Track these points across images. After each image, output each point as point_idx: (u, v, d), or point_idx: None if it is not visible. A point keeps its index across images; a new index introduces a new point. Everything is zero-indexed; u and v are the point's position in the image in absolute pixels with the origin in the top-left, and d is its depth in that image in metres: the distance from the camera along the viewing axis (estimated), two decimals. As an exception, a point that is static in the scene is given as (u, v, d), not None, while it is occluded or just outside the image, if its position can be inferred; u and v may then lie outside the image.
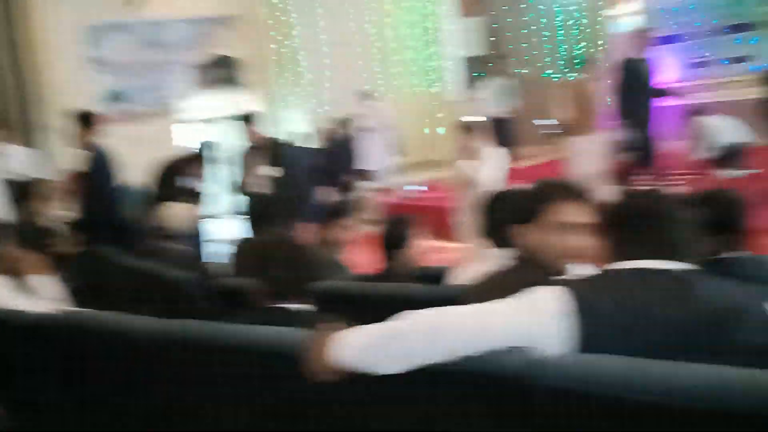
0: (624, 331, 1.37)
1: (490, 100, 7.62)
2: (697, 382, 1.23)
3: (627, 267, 1.47)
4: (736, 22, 9.19)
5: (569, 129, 6.49)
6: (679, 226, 1.50)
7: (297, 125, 9.99)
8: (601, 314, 1.38)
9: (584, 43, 10.97)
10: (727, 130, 7.21)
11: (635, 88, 6.42)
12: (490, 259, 2.13)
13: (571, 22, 11.23)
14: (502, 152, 4.84)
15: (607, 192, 6.64)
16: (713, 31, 9.50)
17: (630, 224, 1.50)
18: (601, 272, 1.54)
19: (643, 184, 6.96)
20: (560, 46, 11.21)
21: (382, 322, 1.50)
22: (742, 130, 7.25)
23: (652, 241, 1.47)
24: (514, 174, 9.20)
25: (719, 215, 2.03)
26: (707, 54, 9.64)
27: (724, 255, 2.05)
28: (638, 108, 6.48)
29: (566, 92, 6.46)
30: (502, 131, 7.70)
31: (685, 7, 9.68)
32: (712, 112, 7.40)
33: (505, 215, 1.95)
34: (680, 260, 1.46)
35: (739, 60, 9.24)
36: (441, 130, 10.80)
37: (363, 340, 1.50)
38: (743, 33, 9.14)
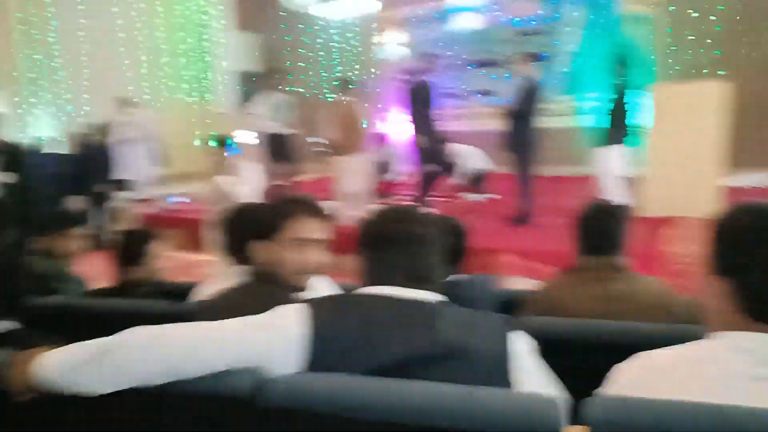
0: (357, 356, 1.35)
1: (267, 116, 7.60)
2: (418, 400, 1.26)
3: (372, 292, 1.45)
4: (482, 59, 10.23)
5: (336, 148, 6.66)
6: (427, 250, 1.49)
7: (47, 130, 9.03)
8: (337, 337, 1.36)
9: (357, 66, 11.46)
10: (473, 157, 7.94)
11: (422, 110, 6.78)
12: (231, 276, 2.06)
13: (344, 45, 11.66)
14: (259, 168, 4.78)
15: (369, 210, 6.94)
16: (462, 65, 10.45)
17: (380, 247, 1.48)
18: (345, 294, 1.53)
19: (402, 204, 7.27)
20: (335, 68, 11.58)
21: (95, 339, 1.36)
22: (485, 158, 8.04)
23: (400, 265, 1.46)
24: (298, 188, 9.24)
25: (448, 241, 2.14)
26: (456, 86, 10.58)
27: (452, 278, 2.16)
28: (427, 128, 6.85)
29: (335, 112, 6.63)
30: (279, 147, 7.69)
31: (437, 41, 10.56)
32: (461, 140, 8.09)
33: (244, 231, 1.92)
34: (426, 287, 1.46)
35: (484, 93, 10.27)
36: (213, 143, 10.47)
37: (68, 357, 1.36)
38: (488, 69, 10.20)
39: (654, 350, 1.34)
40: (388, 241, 1.47)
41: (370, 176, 6.98)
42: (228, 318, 1.41)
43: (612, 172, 6.39)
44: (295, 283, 1.82)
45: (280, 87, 7.73)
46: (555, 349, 1.92)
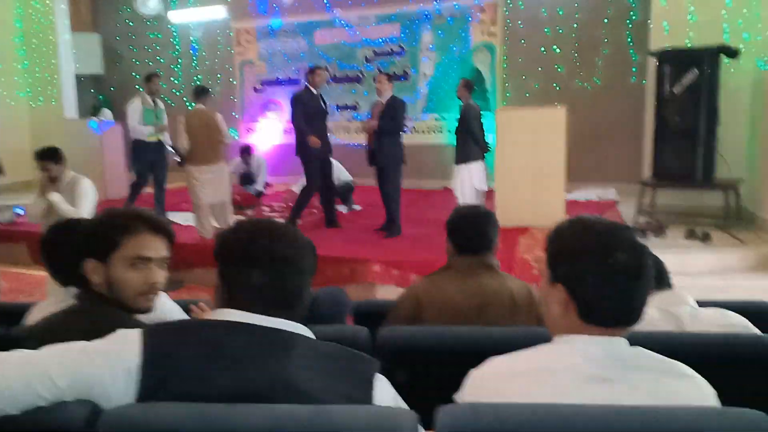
0: (193, 387, 1.24)
1: (129, 122, 7.21)
2: (262, 424, 1.20)
3: (221, 318, 1.33)
4: (342, 75, 10.35)
5: (192, 158, 6.41)
6: (294, 272, 1.36)
7: None
8: (173, 366, 1.26)
9: (219, 75, 11.16)
10: (339, 171, 7.98)
11: (309, 121, 6.65)
12: (65, 297, 1.85)
13: (203, 53, 11.34)
14: (87, 182, 4.35)
15: (231, 224, 6.75)
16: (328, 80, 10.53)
17: (241, 266, 1.34)
18: (190, 320, 1.45)
19: (269, 219, 7.11)
20: (196, 76, 11.21)
21: None
22: (346, 172, 8.11)
23: (262, 288, 1.33)
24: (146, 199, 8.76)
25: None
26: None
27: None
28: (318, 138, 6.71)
29: (193, 121, 6.39)
30: (140, 154, 7.28)
31: (297, 54, 10.56)
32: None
33: (77, 249, 1.69)
34: (287, 314, 1.35)
35: (348, 108, 10.39)
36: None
37: None
38: (348, 84, 10.33)
39: (503, 355, 1.40)
40: (250, 260, 1.33)
41: (230, 187, 6.78)
42: (54, 344, 1.28)
43: (467, 186, 6.72)
44: (136, 305, 1.67)
45: (153, 93, 7.31)
46: (421, 357, 1.96)
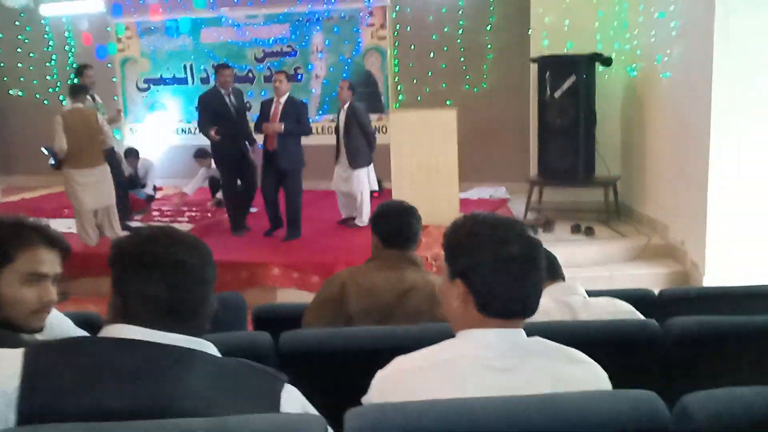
0: (74, 411, 1.14)
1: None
2: None
3: (110, 334, 1.24)
4: (236, 74, 10.08)
5: (71, 160, 6.02)
6: (194, 280, 1.27)
7: None
8: (53, 389, 1.16)
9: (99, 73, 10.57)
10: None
11: (216, 122, 6.42)
12: None
13: (79, 49, 10.70)
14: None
15: (119, 230, 6.42)
16: (202, 79, 10.22)
17: (134, 275, 1.25)
18: (77, 338, 1.33)
19: (165, 225, 6.81)
20: (73, 74, 10.54)
21: None
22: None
23: (157, 299, 1.24)
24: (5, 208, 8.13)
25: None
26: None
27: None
28: (228, 142, 6.49)
29: (70, 120, 6.00)
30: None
31: (183, 51, 10.21)
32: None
33: None
34: (185, 328, 1.26)
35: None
36: None
37: None
38: (242, 85, 10.08)
39: (410, 353, 1.41)
40: (147, 269, 1.24)
41: (114, 191, 6.45)
42: None
43: (366, 190, 6.77)
44: (27, 325, 1.53)
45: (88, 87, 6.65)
46: (328, 360, 1.92)
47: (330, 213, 7.15)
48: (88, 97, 6.54)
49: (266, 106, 6.38)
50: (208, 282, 1.30)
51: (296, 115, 6.26)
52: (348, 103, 6.63)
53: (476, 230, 1.36)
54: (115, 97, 10.51)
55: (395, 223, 2.46)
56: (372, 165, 6.85)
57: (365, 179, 6.77)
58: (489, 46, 8.91)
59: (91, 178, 6.13)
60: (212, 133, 6.29)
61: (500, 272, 1.31)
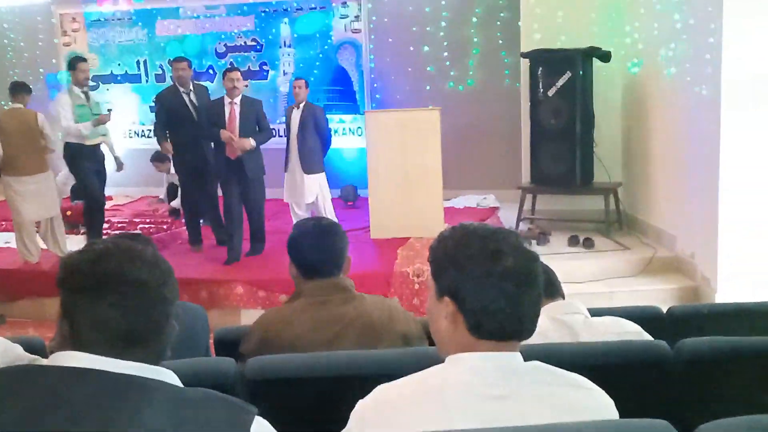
0: None
1: (63, 122, 6.38)
2: None
3: (56, 363, 1.21)
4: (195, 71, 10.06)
5: (9, 166, 5.96)
6: (151, 300, 1.26)
7: None
8: (2, 422, 1.12)
9: (41, 69, 10.45)
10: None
11: (174, 125, 6.42)
12: None
13: (22, 43, 10.57)
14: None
15: (65, 245, 6.33)
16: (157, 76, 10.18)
17: (84, 295, 1.23)
18: (17, 368, 1.29)
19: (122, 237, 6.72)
20: (14, 72, 10.41)
21: None
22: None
23: (110, 322, 1.22)
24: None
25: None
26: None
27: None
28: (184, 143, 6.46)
29: (8, 122, 5.93)
30: (79, 160, 6.49)
31: (136, 46, 10.14)
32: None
33: None
34: (143, 354, 1.25)
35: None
36: None
37: None
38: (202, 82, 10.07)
39: (393, 382, 1.40)
40: (99, 288, 1.23)
41: (59, 201, 6.36)
42: None
43: (326, 191, 6.80)
44: None
45: (82, 83, 6.50)
46: (298, 388, 1.90)
47: (289, 224, 7.11)
48: (81, 94, 6.44)
49: (217, 107, 6.20)
50: (169, 303, 1.29)
51: (256, 118, 6.22)
52: (304, 102, 6.63)
53: (466, 242, 1.36)
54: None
55: (313, 248, 2.34)
56: (324, 173, 6.85)
57: (325, 183, 6.80)
58: (475, 39, 8.99)
59: (31, 186, 6.06)
60: (166, 145, 6.26)
61: (493, 288, 1.31)
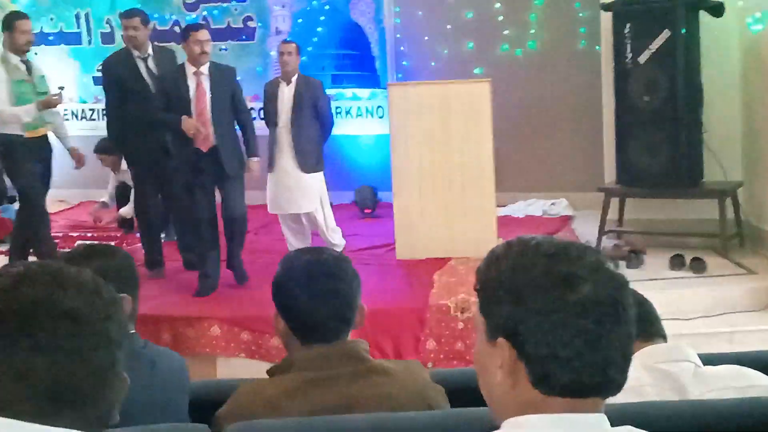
0: None
1: None
2: None
3: None
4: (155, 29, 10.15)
5: None
6: (87, 342, 1.24)
7: None
8: None
9: None
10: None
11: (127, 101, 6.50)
12: None
13: None
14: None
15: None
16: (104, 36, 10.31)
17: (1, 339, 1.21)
18: None
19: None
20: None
21: None
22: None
23: (31, 373, 1.20)
24: None
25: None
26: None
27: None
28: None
29: None
30: (17, 155, 6.51)
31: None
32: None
33: None
34: (76, 416, 1.23)
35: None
36: None
37: None
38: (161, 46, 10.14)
39: None
40: (16, 326, 1.21)
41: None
42: None
43: (325, 195, 6.83)
44: None
45: (21, 49, 6.58)
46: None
47: (283, 240, 7.11)
48: (21, 64, 6.43)
49: (174, 80, 6.15)
50: (115, 344, 1.28)
51: (231, 93, 6.25)
52: (297, 74, 6.64)
53: (527, 263, 1.35)
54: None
55: (311, 298, 2.22)
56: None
57: (323, 186, 6.82)
58: (539, -14, 9.00)
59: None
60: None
61: (566, 326, 1.30)
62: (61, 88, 6.70)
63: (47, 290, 1.24)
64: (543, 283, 1.32)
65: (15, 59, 6.38)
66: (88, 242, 6.60)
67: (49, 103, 6.44)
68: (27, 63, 6.51)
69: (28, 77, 6.44)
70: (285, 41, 6.99)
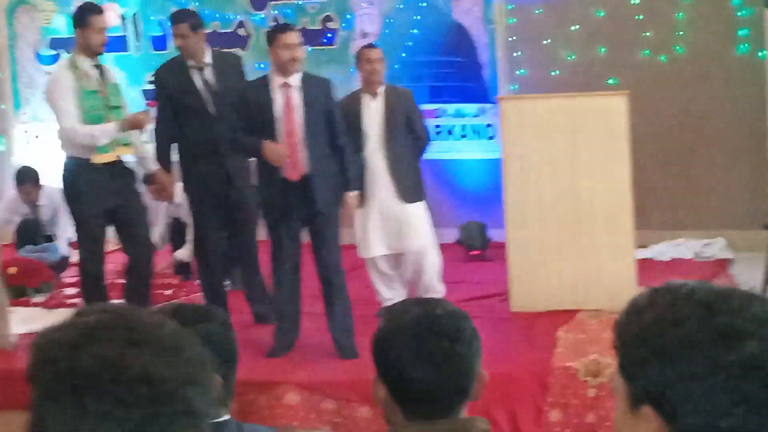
0: None
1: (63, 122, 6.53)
2: None
3: None
4: (217, 32, 10.34)
5: None
6: (167, 409, 1.23)
7: None
8: None
9: None
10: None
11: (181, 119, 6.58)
12: None
13: None
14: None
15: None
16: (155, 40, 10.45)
17: (57, 404, 1.21)
18: None
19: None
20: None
21: None
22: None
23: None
24: None
25: None
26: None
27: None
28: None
29: None
30: (83, 185, 6.68)
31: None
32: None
33: None
34: None
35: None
36: None
37: None
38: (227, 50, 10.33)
39: None
40: (74, 388, 1.21)
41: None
42: None
43: (431, 233, 6.79)
44: None
45: (94, 49, 6.84)
46: None
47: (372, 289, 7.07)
48: (93, 69, 6.35)
49: (257, 94, 6.13)
50: (197, 416, 1.27)
51: (327, 109, 6.15)
52: (384, 86, 6.68)
53: (677, 315, 1.36)
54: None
55: (421, 363, 2.18)
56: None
57: (429, 220, 6.79)
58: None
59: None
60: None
61: (727, 392, 1.30)
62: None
63: (117, 348, 1.23)
64: (698, 339, 1.32)
65: (87, 64, 6.37)
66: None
67: (137, 122, 6.39)
68: (100, 68, 6.47)
69: (101, 88, 6.38)
70: (367, 46, 7.01)
